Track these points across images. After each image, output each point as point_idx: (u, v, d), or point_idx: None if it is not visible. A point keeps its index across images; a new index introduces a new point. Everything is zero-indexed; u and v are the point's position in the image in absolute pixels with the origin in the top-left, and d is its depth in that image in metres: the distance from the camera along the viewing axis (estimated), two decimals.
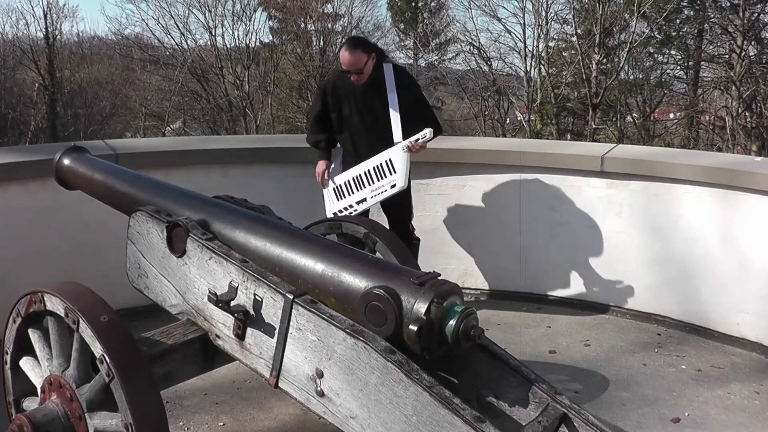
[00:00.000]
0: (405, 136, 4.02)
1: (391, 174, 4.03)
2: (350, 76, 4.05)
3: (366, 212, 4.21)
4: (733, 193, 4.20)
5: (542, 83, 21.72)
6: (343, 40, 24.89)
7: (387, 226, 4.32)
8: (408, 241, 4.34)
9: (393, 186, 4.02)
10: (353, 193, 4.17)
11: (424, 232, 4.61)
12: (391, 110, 4.09)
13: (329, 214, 4.20)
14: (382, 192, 4.06)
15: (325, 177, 4.25)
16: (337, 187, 4.22)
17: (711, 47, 21.88)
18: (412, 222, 4.45)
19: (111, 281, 3.21)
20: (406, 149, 3.98)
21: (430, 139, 3.99)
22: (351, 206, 4.16)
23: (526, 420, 2.17)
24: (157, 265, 2.64)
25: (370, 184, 4.10)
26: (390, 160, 4.02)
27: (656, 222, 4.53)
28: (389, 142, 4.06)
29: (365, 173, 4.11)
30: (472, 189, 4.94)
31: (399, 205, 4.30)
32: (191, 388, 3.40)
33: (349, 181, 4.17)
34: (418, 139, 3.95)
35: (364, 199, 4.12)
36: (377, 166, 4.06)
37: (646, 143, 19.76)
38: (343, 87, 4.17)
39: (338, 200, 4.21)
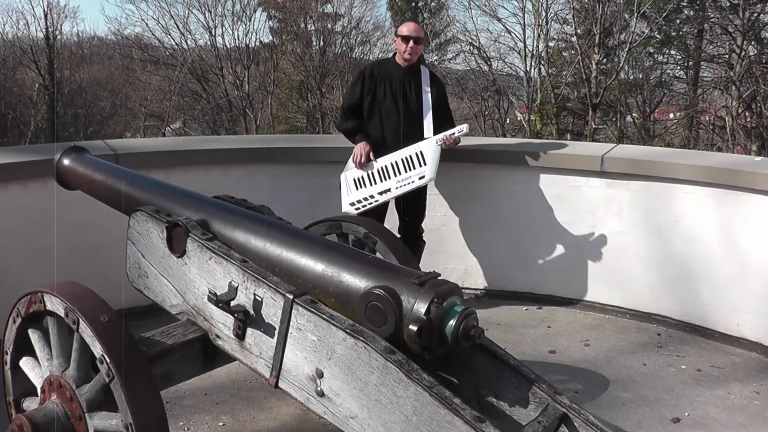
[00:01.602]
0: (434, 133, 4.09)
1: (421, 166, 4.04)
2: (407, 47, 4.17)
3: (384, 207, 4.18)
4: (733, 193, 4.20)
5: (542, 83, 21.72)
6: (345, 39, 24.98)
7: (398, 225, 4.31)
8: (417, 242, 4.34)
9: (421, 178, 4.03)
10: (376, 183, 4.15)
11: (424, 232, 4.61)
12: (425, 104, 4.18)
13: (345, 205, 4.18)
14: (408, 183, 4.06)
15: (370, 157, 4.18)
16: (359, 177, 4.20)
17: (711, 47, 21.88)
18: (422, 225, 4.47)
19: (111, 281, 3.21)
20: (440, 142, 4.02)
21: (466, 134, 4.08)
22: (372, 196, 4.13)
23: (526, 420, 2.17)
24: (157, 265, 2.64)
25: (396, 175, 4.10)
26: (421, 152, 4.04)
27: (656, 222, 4.53)
28: (418, 132, 4.10)
29: (392, 164, 4.12)
30: (472, 189, 4.93)
31: (415, 204, 4.33)
32: (191, 388, 3.40)
33: (373, 171, 4.15)
34: (454, 133, 4.04)
35: (388, 190, 4.10)
36: (406, 158, 4.07)
37: (646, 143, 19.76)
38: (380, 73, 4.29)
39: (357, 189, 4.18)
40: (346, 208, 4.20)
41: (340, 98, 23.24)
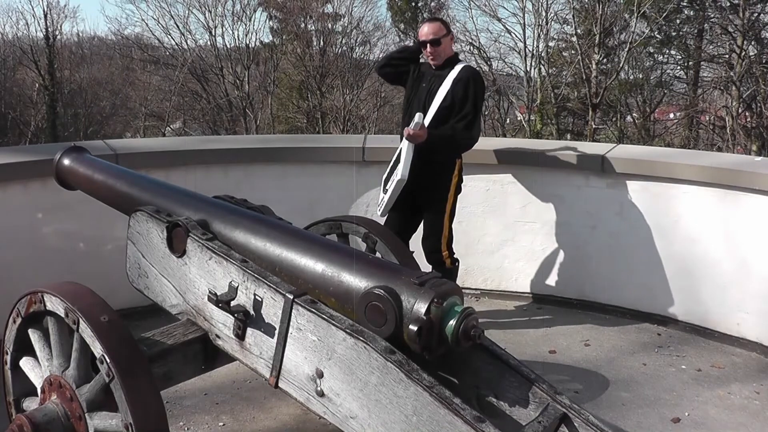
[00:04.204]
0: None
1: (398, 164, 3.97)
2: (426, 52, 4.04)
3: (405, 214, 4.07)
4: (733, 193, 4.20)
5: (542, 83, 21.73)
6: (345, 39, 24.98)
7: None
8: (436, 261, 4.12)
9: (397, 176, 3.96)
10: (387, 182, 4.12)
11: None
12: (434, 102, 4.01)
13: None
14: (392, 183, 3.99)
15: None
16: (385, 175, 4.15)
17: (711, 47, 21.88)
18: (452, 246, 4.18)
19: (111, 281, 3.21)
20: (406, 136, 3.91)
21: (420, 124, 3.86)
22: (383, 194, 4.09)
23: (526, 420, 2.17)
24: (157, 265, 2.65)
25: (391, 174, 4.05)
26: (401, 150, 3.96)
27: (656, 222, 4.53)
28: None
29: (393, 163, 4.05)
30: (471, 189, 4.92)
31: (428, 214, 4.15)
32: (191, 388, 3.40)
33: (388, 170, 4.11)
34: (411, 127, 3.89)
35: (387, 190, 4.06)
36: (396, 157, 4.02)
37: (646, 143, 19.76)
38: (421, 71, 4.17)
39: (383, 189, 4.13)
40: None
41: (341, 98, 23.30)
